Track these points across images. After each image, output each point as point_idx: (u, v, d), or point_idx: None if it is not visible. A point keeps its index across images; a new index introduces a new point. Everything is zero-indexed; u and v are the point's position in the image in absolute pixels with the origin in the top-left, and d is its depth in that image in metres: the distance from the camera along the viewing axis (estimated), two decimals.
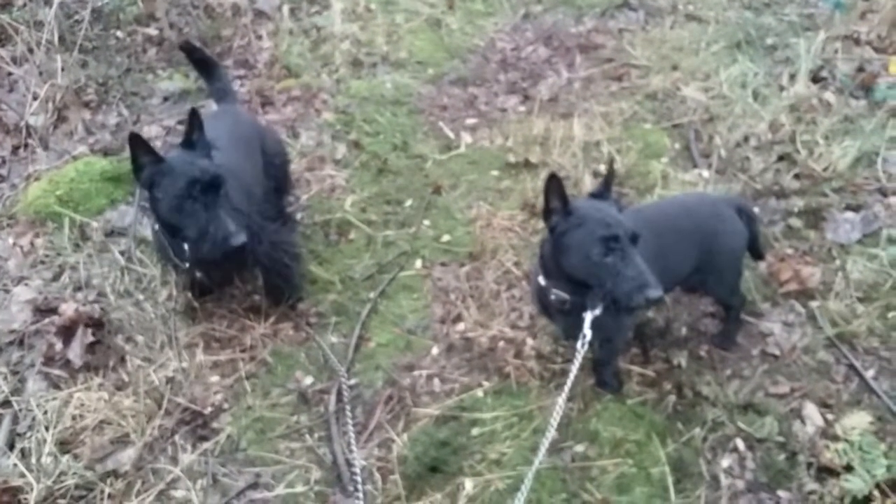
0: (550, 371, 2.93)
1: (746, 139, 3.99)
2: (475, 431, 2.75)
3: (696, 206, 2.90)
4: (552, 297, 2.50)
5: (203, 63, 3.44)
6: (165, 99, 4.63)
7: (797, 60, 4.50)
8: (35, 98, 4.40)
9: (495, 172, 4.00)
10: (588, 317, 2.38)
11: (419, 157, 4.14)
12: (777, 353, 2.97)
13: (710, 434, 2.70)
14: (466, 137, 4.31)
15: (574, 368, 2.38)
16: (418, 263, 3.48)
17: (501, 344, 3.03)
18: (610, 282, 2.26)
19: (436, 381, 2.95)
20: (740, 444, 2.68)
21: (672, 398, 2.78)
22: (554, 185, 2.37)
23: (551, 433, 2.36)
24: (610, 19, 5.55)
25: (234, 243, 2.57)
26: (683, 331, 3.07)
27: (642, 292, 2.20)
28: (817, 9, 5.44)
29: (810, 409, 2.76)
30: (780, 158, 3.88)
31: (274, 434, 2.77)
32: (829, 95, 4.30)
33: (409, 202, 3.83)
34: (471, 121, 4.48)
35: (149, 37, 5.18)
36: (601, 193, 2.46)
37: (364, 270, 3.45)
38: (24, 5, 4.88)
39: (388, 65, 4.97)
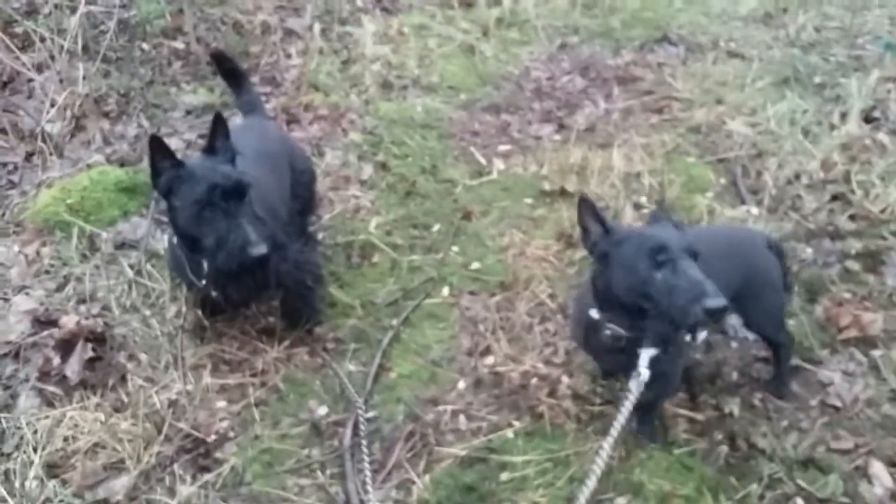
0: (588, 413, 2.67)
1: (798, 177, 3.77)
2: (504, 476, 2.48)
3: (733, 234, 2.82)
4: (606, 332, 2.24)
5: (232, 74, 3.27)
6: (188, 112, 4.47)
7: (848, 99, 4.31)
8: (53, 105, 4.25)
9: (529, 200, 3.78)
10: (645, 354, 2.13)
11: (449, 182, 3.94)
12: (838, 404, 2.70)
13: (768, 491, 2.42)
14: (499, 164, 4.11)
15: (625, 411, 2.13)
16: (445, 291, 3.25)
17: (534, 381, 2.78)
18: (664, 299, 2.00)
19: (462, 417, 2.70)
20: (800, 503, 2.39)
21: (724, 449, 2.51)
22: (586, 206, 2.18)
23: (592, 483, 2.11)
24: (649, 53, 5.40)
25: (253, 253, 2.35)
26: (734, 376, 2.81)
27: (700, 302, 1.92)
28: (865, 50, 5.26)
29: (878, 468, 2.48)
30: (834, 198, 3.65)
31: (282, 468, 2.52)
32: (882, 136, 4.08)
33: (436, 227, 3.61)
34: (503, 147, 4.29)
35: (175, 50, 5.05)
36: (657, 218, 2.25)
37: (387, 296, 3.22)
38: (50, 13, 4.76)
39: (418, 88, 4.80)
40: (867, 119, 4.21)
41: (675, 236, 2.09)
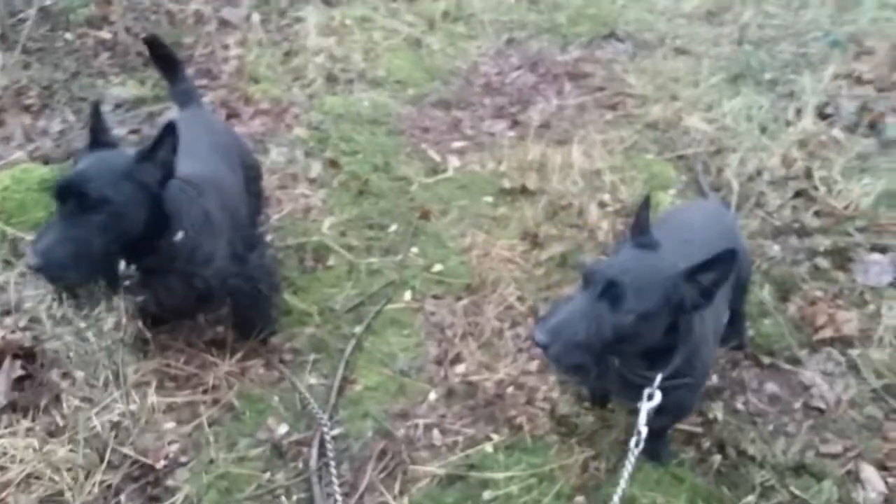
0: (570, 424, 2.51)
1: (759, 173, 3.70)
2: (487, 495, 2.30)
3: (711, 207, 2.84)
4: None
5: (166, 61, 3.01)
6: (118, 106, 4.15)
7: (801, 96, 4.28)
8: None
9: (489, 199, 3.61)
10: (644, 407, 1.98)
11: (403, 180, 3.74)
12: (822, 406, 2.62)
13: (762, 501, 2.31)
14: (454, 161, 3.93)
15: (629, 468, 1.96)
16: (408, 295, 3.05)
17: (510, 390, 2.61)
18: None
19: (435, 432, 2.51)
20: None
21: (717, 458, 2.38)
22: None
23: None
24: (597, 49, 5.30)
25: (29, 262, 2.09)
26: (714, 379, 2.69)
27: (534, 330, 1.82)
28: (809, 48, 5.27)
29: (869, 472, 2.40)
30: (797, 195, 3.60)
31: (242, 495, 2.29)
32: (837, 132, 4.06)
33: (393, 227, 3.41)
34: (457, 144, 4.12)
35: (101, 40, 4.71)
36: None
37: (346, 301, 3.00)
38: None
39: (364, 82, 4.59)
40: (821, 115, 4.19)
41: (611, 267, 1.90)
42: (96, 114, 2.31)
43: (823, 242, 3.27)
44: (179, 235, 2.30)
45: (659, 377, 1.95)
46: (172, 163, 2.23)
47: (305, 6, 5.11)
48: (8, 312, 2.78)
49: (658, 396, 1.97)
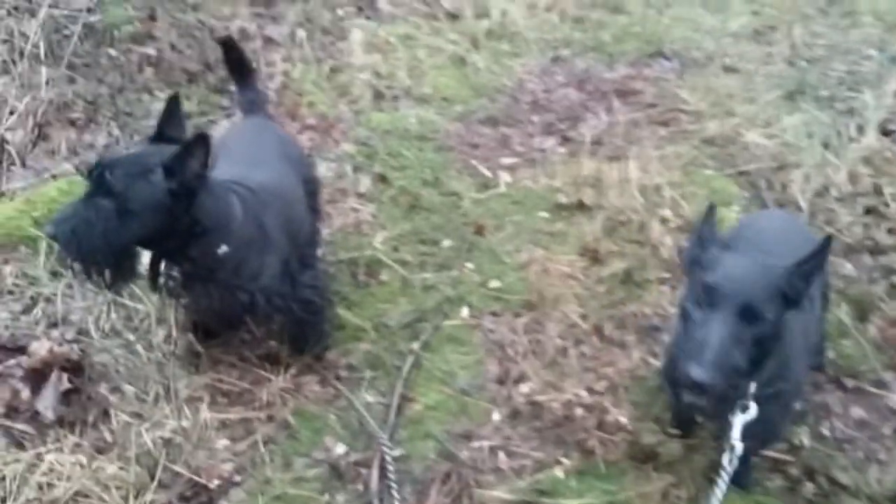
0: (648, 450, 2.35)
1: (826, 189, 3.55)
2: None
3: (785, 217, 2.79)
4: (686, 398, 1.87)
5: (239, 65, 2.89)
6: None
7: (863, 112, 4.13)
8: (12, 112, 3.85)
9: (544, 214, 3.49)
10: (738, 421, 1.86)
11: (454, 195, 3.63)
12: None
13: None
14: (505, 177, 3.82)
15: (718, 495, 1.81)
16: (465, 312, 2.93)
17: (579, 412, 2.47)
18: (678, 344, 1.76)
19: (501, 454, 2.37)
20: None
21: (808, 487, 2.22)
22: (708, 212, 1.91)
23: None
24: (644, 67, 5.18)
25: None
26: (797, 404, 2.52)
27: (687, 365, 1.65)
28: (862, 66, 5.13)
29: None
30: (868, 212, 3.44)
31: None
32: None
33: (447, 242, 3.29)
34: (507, 160, 4.01)
35: (146, 56, 4.67)
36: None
37: (401, 317, 2.88)
38: (9, 14, 4.37)
39: (411, 99, 4.50)
40: (884, 132, 4.04)
41: (758, 273, 1.78)
42: (171, 106, 2.22)
43: None
44: (223, 249, 2.21)
45: (753, 385, 1.81)
46: (203, 175, 2.13)
47: (349, 23, 5.06)
48: (55, 324, 2.69)
49: (753, 408, 1.82)
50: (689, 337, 1.72)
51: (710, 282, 1.73)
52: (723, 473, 1.82)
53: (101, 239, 2.04)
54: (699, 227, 1.91)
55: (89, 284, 2.22)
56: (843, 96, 4.48)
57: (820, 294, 2.27)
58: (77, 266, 2.11)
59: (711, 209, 1.92)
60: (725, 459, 1.83)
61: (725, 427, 1.88)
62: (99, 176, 2.03)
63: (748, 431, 1.93)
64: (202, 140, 2.09)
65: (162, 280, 2.30)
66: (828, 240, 1.79)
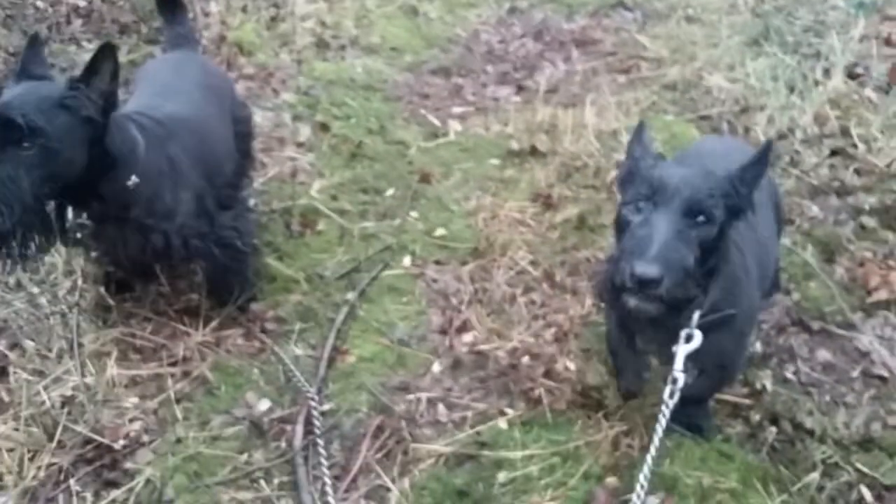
0: (597, 397, 2.16)
1: (791, 131, 3.37)
2: (503, 476, 1.96)
3: (735, 142, 2.75)
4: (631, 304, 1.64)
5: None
6: None
7: (829, 56, 3.95)
8: None
9: (495, 161, 3.29)
10: (681, 350, 1.65)
11: (400, 144, 3.42)
12: (884, 374, 2.29)
13: (826, 479, 1.96)
14: (455, 125, 3.61)
15: (659, 431, 1.62)
16: (407, 261, 2.72)
17: (525, 360, 2.28)
18: (619, 245, 1.58)
19: (441, 406, 2.17)
20: (866, 493, 1.95)
21: (770, 432, 2.04)
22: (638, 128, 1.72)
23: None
24: (604, 18, 4.99)
25: None
26: (759, 346, 2.35)
27: (630, 262, 1.47)
28: (828, 15, 4.96)
29: None
30: (834, 153, 3.28)
31: (215, 479, 1.94)
32: (869, 92, 3.74)
33: (390, 191, 3.08)
34: (458, 109, 3.80)
35: (74, 7, 4.38)
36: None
37: (337, 268, 2.67)
38: None
39: (357, 49, 4.27)
40: (851, 76, 3.88)
41: (700, 176, 1.60)
42: (33, 45, 1.98)
43: (868, 201, 2.96)
44: (133, 180, 1.98)
45: (697, 314, 1.62)
46: (114, 93, 1.91)
47: None
48: None
49: (698, 337, 1.63)
50: (630, 237, 1.54)
51: (654, 178, 1.55)
52: (664, 409, 1.62)
53: (30, 193, 1.79)
54: (631, 141, 1.72)
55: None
56: (809, 42, 4.30)
57: (773, 218, 2.10)
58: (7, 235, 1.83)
59: (641, 125, 1.76)
60: (666, 393, 1.63)
61: (666, 354, 1.70)
62: (5, 123, 1.77)
63: (701, 366, 1.75)
64: (108, 51, 1.86)
65: (71, 230, 2.04)
66: (769, 144, 1.66)
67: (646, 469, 1.57)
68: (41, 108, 1.79)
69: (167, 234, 2.10)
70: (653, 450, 1.60)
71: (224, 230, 2.24)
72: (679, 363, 1.63)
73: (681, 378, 1.63)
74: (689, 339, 1.65)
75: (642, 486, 1.55)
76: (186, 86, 2.41)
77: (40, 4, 4.40)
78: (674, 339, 1.65)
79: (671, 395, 1.63)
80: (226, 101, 2.58)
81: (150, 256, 2.18)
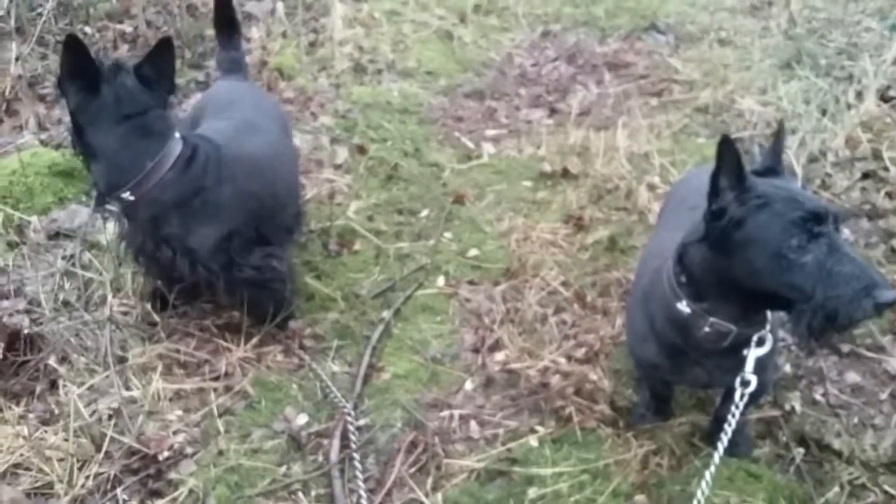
0: (623, 415, 2.21)
1: (823, 154, 3.39)
2: (532, 493, 2.01)
3: None
4: (706, 329, 1.68)
5: (228, 23, 2.77)
6: None
7: (862, 79, 3.96)
8: None
9: (528, 183, 3.35)
10: (752, 353, 1.67)
11: (434, 166, 3.50)
12: None
13: (851, 500, 1.99)
14: (489, 148, 3.68)
15: (728, 431, 1.66)
16: (441, 280, 2.79)
17: (556, 379, 2.32)
18: (820, 287, 1.48)
19: (473, 423, 2.23)
20: None
21: (798, 453, 2.07)
22: (728, 150, 1.54)
23: None
24: (636, 41, 5.03)
25: None
26: (789, 368, 2.38)
27: (871, 296, 1.44)
28: (861, 38, 4.97)
29: None
30: (865, 176, 3.29)
31: (254, 490, 2.02)
32: None
33: (425, 212, 3.15)
34: (492, 132, 3.87)
35: (122, 33, 4.56)
36: (771, 168, 1.67)
37: (373, 287, 2.74)
38: None
39: (394, 73, 4.36)
40: (884, 98, 3.88)
41: (818, 199, 1.61)
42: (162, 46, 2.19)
43: None
44: (126, 195, 2.14)
45: (769, 314, 1.65)
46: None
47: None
48: (5, 297, 2.55)
49: (770, 340, 1.66)
50: (830, 274, 1.48)
51: (809, 209, 1.50)
52: (734, 411, 1.65)
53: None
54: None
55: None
56: (842, 64, 4.31)
57: None
58: None
59: (727, 142, 1.55)
60: (737, 396, 1.66)
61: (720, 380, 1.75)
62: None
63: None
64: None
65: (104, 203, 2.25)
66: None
67: (712, 468, 1.60)
68: None
69: (174, 251, 2.20)
70: (720, 451, 1.63)
71: (243, 269, 2.30)
72: (750, 365, 1.66)
73: (753, 380, 1.66)
74: (760, 342, 1.67)
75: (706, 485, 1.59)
76: (267, 122, 2.52)
77: (88, 30, 4.58)
78: (739, 363, 1.68)
79: (742, 398, 1.66)
80: (285, 127, 2.69)
81: (163, 267, 2.28)
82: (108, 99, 2.07)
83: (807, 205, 1.50)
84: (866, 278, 1.45)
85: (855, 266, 1.46)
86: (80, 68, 2.04)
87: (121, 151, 2.11)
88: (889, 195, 3.17)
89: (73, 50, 2.02)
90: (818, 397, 2.30)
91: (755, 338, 1.66)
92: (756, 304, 1.62)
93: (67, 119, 3.62)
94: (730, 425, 1.65)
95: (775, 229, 1.50)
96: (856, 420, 2.24)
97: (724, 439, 1.63)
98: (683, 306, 1.68)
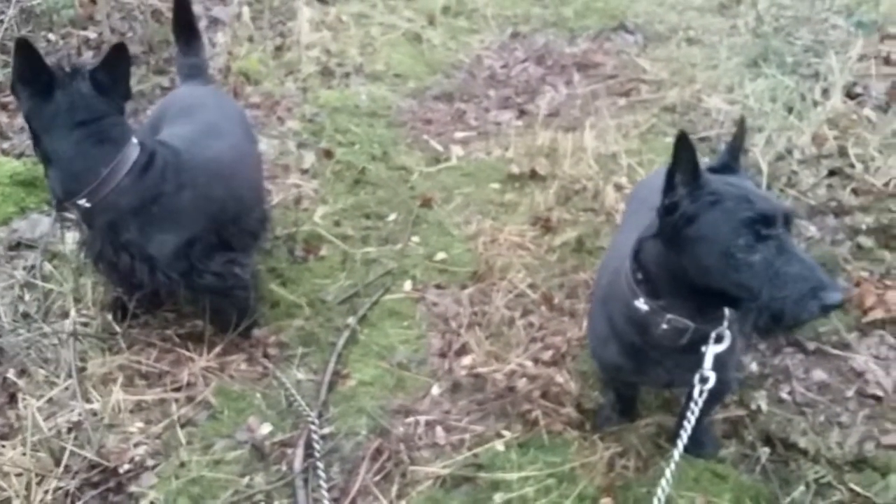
0: (590, 419, 2.20)
1: (789, 152, 3.41)
2: (498, 498, 2.00)
3: None
4: (664, 327, 1.67)
5: (187, 28, 2.71)
6: None
7: (828, 76, 3.99)
8: None
9: (496, 185, 3.34)
10: (710, 350, 1.66)
11: (403, 169, 3.47)
12: (879, 393, 2.30)
13: (818, 499, 1.99)
14: (457, 150, 3.66)
15: (687, 428, 1.65)
16: (408, 285, 2.77)
17: (522, 382, 2.31)
18: (767, 288, 1.48)
19: (439, 429, 2.21)
20: None
21: (763, 452, 2.07)
22: (684, 146, 1.54)
23: None
24: (605, 41, 5.04)
25: None
26: (755, 367, 2.38)
27: (817, 298, 1.44)
28: (828, 35, 5.00)
29: None
30: (832, 173, 3.31)
31: (217, 502, 1.99)
32: (868, 112, 3.77)
33: (392, 216, 3.13)
34: (461, 134, 3.86)
35: (86, 39, 4.50)
36: (727, 166, 1.66)
37: (339, 293, 2.72)
38: None
39: (362, 76, 4.34)
40: (850, 95, 3.91)
41: (773, 198, 1.61)
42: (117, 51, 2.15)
43: (865, 220, 2.98)
44: (82, 202, 2.11)
45: (727, 311, 1.64)
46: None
47: (299, 2, 4.88)
48: None
49: (728, 337, 1.66)
50: (777, 274, 1.47)
51: (759, 209, 1.49)
52: (692, 407, 1.65)
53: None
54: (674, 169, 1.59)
55: None
56: (808, 62, 4.34)
57: None
58: None
59: (683, 138, 1.57)
60: (696, 392, 1.66)
61: (681, 378, 1.75)
62: None
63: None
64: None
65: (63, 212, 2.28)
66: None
67: (672, 465, 1.60)
68: None
69: (132, 257, 2.17)
70: (679, 448, 1.62)
71: (204, 275, 2.27)
72: (708, 362, 1.66)
73: (711, 377, 1.66)
74: (719, 338, 1.67)
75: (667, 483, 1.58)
76: (229, 126, 2.49)
77: (52, 37, 4.52)
78: (699, 361, 1.68)
79: (700, 394, 1.65)
80: (249, 132, 2.66)
81: (123, 274, 2.24)
82: (62, 105, 2.04)
83: (757, 205, 1.49)
84: (814, 280, 1.44)
85: (803, 267, 1.46)
86: (32, 72, 2.01)
87: (75, 158, 2.07)
88: (855, 192, 3.18)
89: (25, 53, 1.98)
90: (784, 396, 2.31)
91: (713, 334, 1.65)
92: (709, 300, 1.61)
93: None
94: (689, 422, 1.64)
95: (725, 228, 1.50)
96: (822, 418, 2.24)
97: (684, 436, 1.62)
98: (641, 304, 1.68)
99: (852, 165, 3.31)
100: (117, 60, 2.12)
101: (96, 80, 2.10)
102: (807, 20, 5.08)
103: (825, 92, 3.88)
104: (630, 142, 3.60)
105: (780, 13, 5.35)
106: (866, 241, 2.89)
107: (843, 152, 3.41)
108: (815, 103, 3.81)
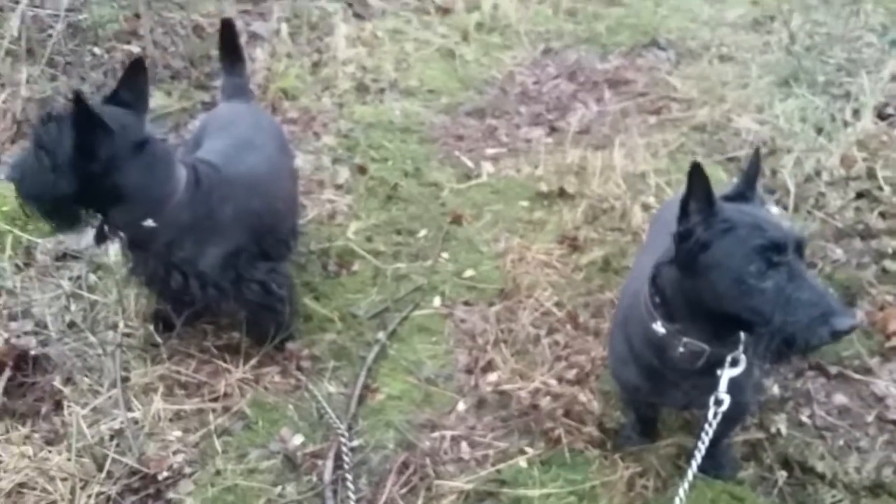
0: (611, 437, 2.26)
1: (818, 174, 3.44)
2: None
3: None
4: (680, 350, 1.73)
5: (232, 50, 2.81)
6: None
7: (859, 96, 4.00)
8: None
9: (525, 203, 3.41)
10: (726, 374, 1.72)
11: (434, 186, 3.55)
12: None
13: None
14: (488, 167, 3.73)
15: (702, 449, 1.71)
16: (437, 301, 2.85)
17: (546, 400, 2.37)
18: (779, 313, 1.53)
19: (464, 444, 2.28)
20: None
21: (781, 475, 2.11)
22: (699, 175, 1.61)
23: None
24: (637, 57, 5.08)
25: None
26: (776, 390, 2.42)
27: (828, 323, 1.50)
28: (862, 53, 5.00)
29: None
30: (860, 195, 3.33)
31: None
32: None
33: (423, 232, 3.21)
34: (491, 151, 3.93)
35: (130, 54, 4.62)
36: (742, 194, 1.73)
37: (370, 307, 2.80)
38: None
39: (396, 92, 4.43)
40: (881, 116, 3.92)
41: (786, 226, 1.66)
42: (134, 69, 2.19)
43: (891, 244, 3.00)
44: (149, 223, 2.17)
45: (742, 336, 1.70)
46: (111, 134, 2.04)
47: (337, 19, 5.00)
48: (14, 318, 2.63)
49: (744, 360, 1.71)
50: (789, 300, 1.53)
51: (771, 237, 1.56)
52: (707, 429, 1.71)
53: (38, 187, 2.08)
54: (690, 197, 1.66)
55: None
56: (840, 81, 4.35)
57: None
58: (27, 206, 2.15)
59: (697, 168, 1.63)
60: (710, 414, 1.72)
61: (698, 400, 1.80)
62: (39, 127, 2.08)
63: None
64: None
65: (106, 239, 2.29)
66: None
67: (686, 484, 1.65)
68: (61, 128, 2.04)
69: (186, 276, 2.26)
70: (694, 465, 1.68)
71: (250, 284, 2.36)
72: (723, 385, 1.71)
73: (726, 399, 1.71)
74: (734, 362, 1.72)
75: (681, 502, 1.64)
76: (264, 141, 2.58)
77: (97, 51, 4.68)
78: (715, 384, 1.73)
79: (714, 416, 1.71)
80: (289, 153, 2.76)
81: (171, 290, 2.34)
82: (119, 136, 2.06)
83: (769, 232, 1.56)
84: (824, 305, 1.50)
85: (813, 293, 1.51)
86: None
87: (144, 180, 2.14)
88: (882, 215, 3.20)
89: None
90: (805, 419, 2.35)
91: (729, 358, 1.71)
92: (724, 324, 1.67)
93: None
94: (703, 443, 1.70)
95: (737, 254, 1.57)
96: (841, 442, 2.28)
97: (698, 457, 1.68)
98: (659, 327, 1.75)
99: (881, 188, 3.33)
100: (137, 75, 2.18)
101: (119, 99, 2.14)
102: (840, 38, 5.07)
103: (856, 112, 3.90)
104: (659, 161, 3.65)
105: (813, 30, 5.36)
106: (892, 266, 2.92)
107: (871, 174, 3.42)
108: (846, 124, 3.83)
